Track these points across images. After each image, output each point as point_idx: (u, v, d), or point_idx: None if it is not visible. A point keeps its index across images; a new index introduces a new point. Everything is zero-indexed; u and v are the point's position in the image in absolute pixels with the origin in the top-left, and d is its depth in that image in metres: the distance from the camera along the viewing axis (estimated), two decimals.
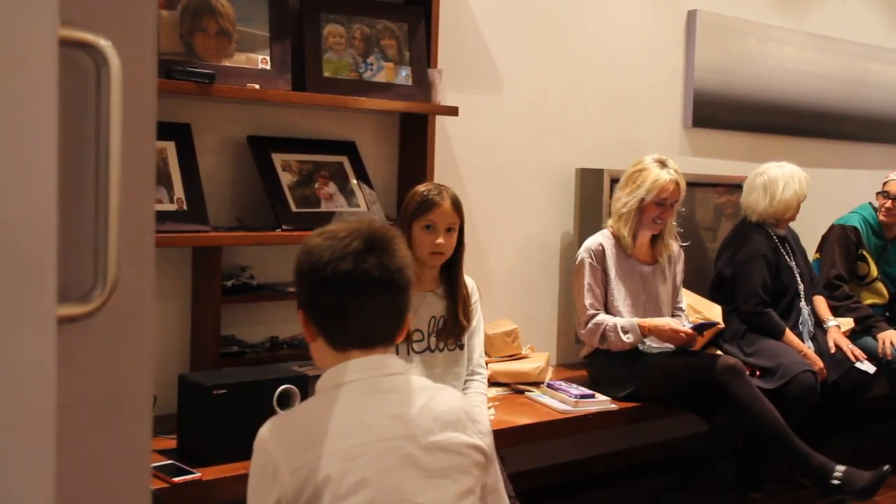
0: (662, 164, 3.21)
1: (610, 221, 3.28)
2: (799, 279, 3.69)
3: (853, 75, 4.72)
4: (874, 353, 3.76)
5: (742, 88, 4.24)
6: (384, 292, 1.45)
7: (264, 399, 2.29)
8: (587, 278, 3.17)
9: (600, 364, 3.25)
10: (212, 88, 2.49)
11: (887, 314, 4.06)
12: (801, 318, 3.65)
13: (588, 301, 3.16)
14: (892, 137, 4.97)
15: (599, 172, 3.55)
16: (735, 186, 3.90)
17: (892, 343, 3.77)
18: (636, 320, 3.15)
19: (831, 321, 3.67)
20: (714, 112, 4.14)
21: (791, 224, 3.80)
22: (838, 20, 4.69)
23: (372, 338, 1.46)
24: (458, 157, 3.31)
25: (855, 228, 4.03)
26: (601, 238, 3.24)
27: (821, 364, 3.45)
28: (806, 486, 3.61)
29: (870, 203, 4.17)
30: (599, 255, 3.20)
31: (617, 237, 3.24)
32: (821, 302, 3.76)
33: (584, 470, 3.71)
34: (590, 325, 3.15)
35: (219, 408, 2.25)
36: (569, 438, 3.32)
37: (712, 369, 3.08)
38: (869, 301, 4.04)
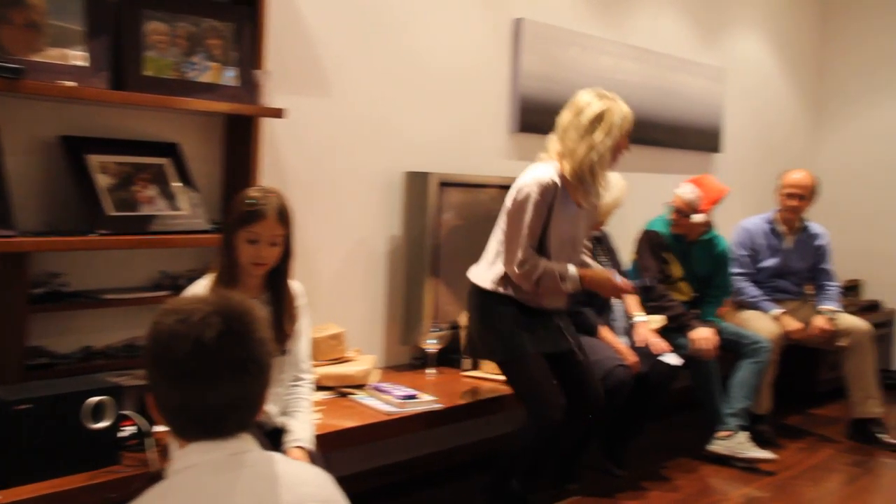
0: (607, 97, 3.17)
1: (564, 165, 3.10)
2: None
3: (665, 85, 5.00)
4: (685, 351, 4.01)
5: (565, 95, 4.31)
6: (245, 377, 1.32)
7: (74, 413, 2.19)
8: (530, 214, 3.02)
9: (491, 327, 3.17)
10: (20, 84, 2.36)
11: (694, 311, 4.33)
12: (612, 312, 3.84)
13: (527, 241, 3.03)
14: (698, 144, 5.30)
15: (426, 176, 3.61)
16: None
17: (702, 344, 4.03)
18: (576, 270, 3.13)
19: (638, 316, 3.86)
20: (539, 118, 4.27)
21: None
22: (652, 34, 4.96)
23: (226, 428, 1.34)
24: (286, 159, 3.28)
25: (657, 233, 4.27)
26: (553, 174, 3.07)
27: (634, 358, 3.65)
28: (618, 475, 3.84)
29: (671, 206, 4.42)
30: (551, 191, 3.05)
31: (565, 179, 3.10)
32: (630, 300, 3.96)
33: (412, 470, 3.78)
34: (526, 266, 3.04)
35: (21, 425, 2.12)
36: (396, 439, 3.36)
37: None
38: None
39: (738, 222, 4.85)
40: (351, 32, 3.48)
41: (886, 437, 4.47)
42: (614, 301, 3.86)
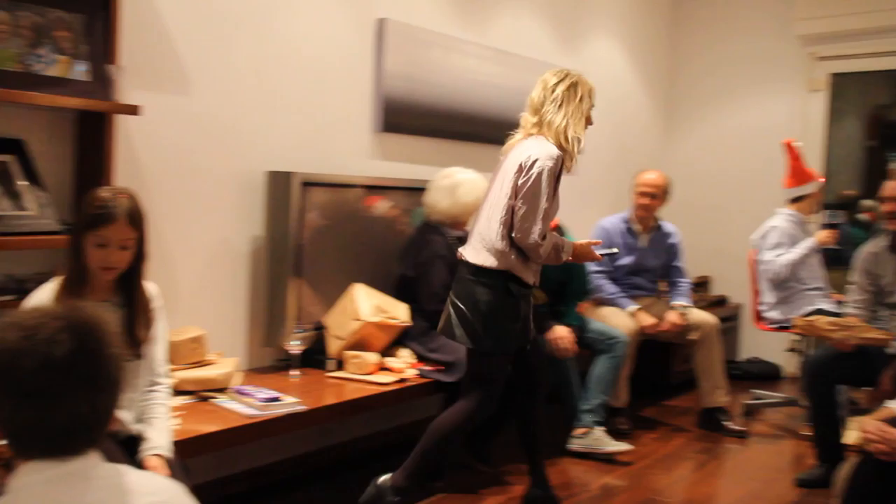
0: (572, 72, 3.35)
1: (554, 141, 3.18)
2: None
3: (526, 87, 5.03)
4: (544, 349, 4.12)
5: (428, 96, 4.44)
6: (95, 394, 1.27)
7: None
8: (547, 187, 3.09)
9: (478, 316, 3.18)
10: None
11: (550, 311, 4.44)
12: None
13: (544, 213, 3.09)
14: None
15: (288, 175, 3.57)
16: (422, 190, 4.06)
17: (561, 343, 4.15)
18: (571, 241, 3.31)
19: None
20: (403, 118, 4.31)
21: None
22: (513, 36, 5.07)
23: (73, 446, 1.28)
24: (142, 158, 3.17)
25: None
26: (556, 149, 3.16)
27: None
28: (483, 470, 3.91)
29: None
30: (559, 163, 3.14)
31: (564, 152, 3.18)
32: None
33: (277, 474, 3.73)
34: (545, 238, 3.12)
35: None
36: (260, 443, 3.31)
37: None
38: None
39: (596, 221, 5.01)
40: (211, 29, 3.40)
41: (731, 425, 4.72)
42: None
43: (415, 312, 3.79)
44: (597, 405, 4.29)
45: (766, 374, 6.10)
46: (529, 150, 3.16)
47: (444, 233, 3.89)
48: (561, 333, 4.15)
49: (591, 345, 4.40)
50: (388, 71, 4.18)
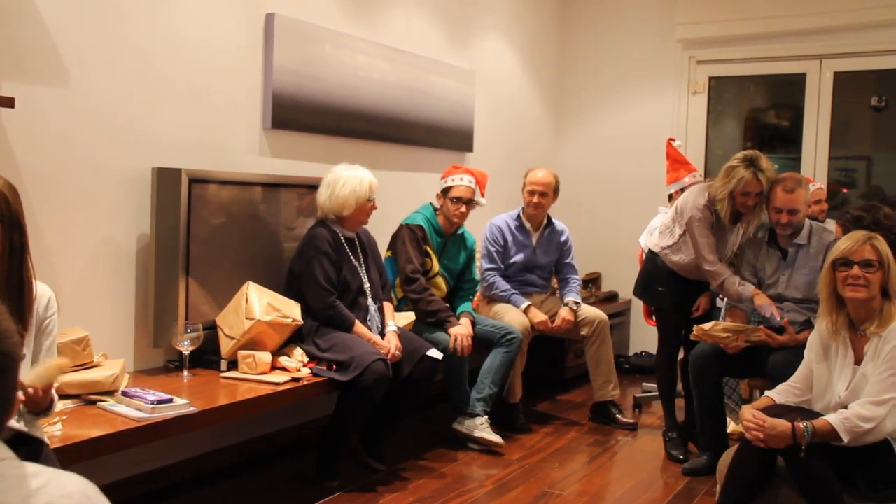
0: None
1: None
2: (365, 278, 3.93)
3: (418, 86, 5.13)
4: (445, 346, 4.15)
5: (319, 93, 4.40)
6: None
7: None
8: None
9: None
10: None
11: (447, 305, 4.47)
12: (368, 315, 3.89)
13: None
14: (451, 144, 5.48)
15: (177, 172, 3.48)
16: (314, 187, 4.02)
17: (462, 340, 4.19)
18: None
19: (391, 326, 3.92)
20: (293, 114, 4.25)
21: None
22: (406, 35, 5.07)
23: None
24: (18, 153, 3.03)
25: (420, 227, 4.41)
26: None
27: (388, 347, 3.71)
28: (378, 469, 3.90)
29: (430, 203, 4.57)
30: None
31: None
32: (387, 307, 4.02)
33: (169, 477, 3.62)
34: None
35: None
36: (150, 446, 3.21)
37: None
38: None
39: (488, 220, 5.06)
40: (92, 19, 3.27)
41: (622, 417, 4.85)
42: (368, 303, 3.91)
43: (306, 312, 3.75)
44: (487, 395, 4.35)
45: (655, 368, 6.28)
46: None
47: (333, 228, 3.86)
48: (462, 330, 4.21)
49: (484, 339, 4.45)
50: (278, 66, 4.12)
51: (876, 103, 6.24)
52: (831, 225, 4.14)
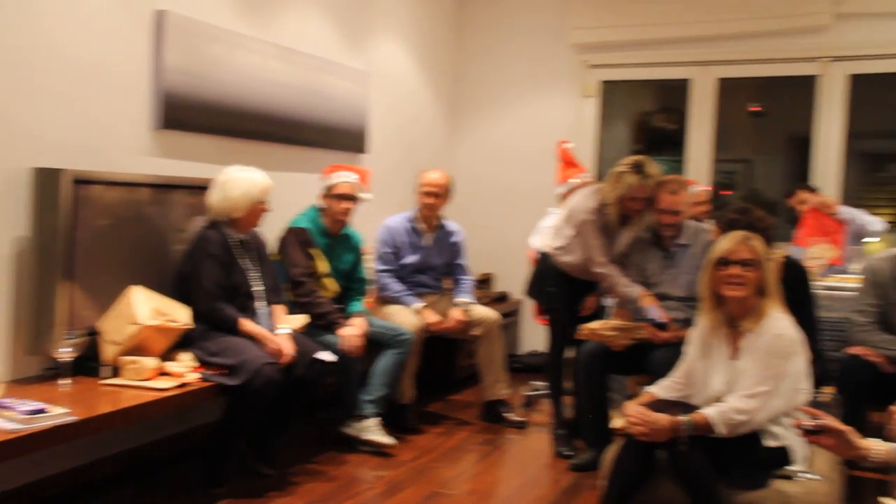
0: None
1: None
2: (256, 281, 3.88)
3: (312, 86, 5.09)
4: (335, 347, 4.12)
5: (212, 92, 4.32)
6: None
7: None
8: None
9: None
10: None
11: (338, 306, 4.46)
12: (256, 318, 3.84)
13: None
14: (344, 145, 5.46)
15: (57, 172, 3.36)
16: (206, 188, 3.94)
17: (352, 341, 4.18)
18: None
19: (281, 328, 3.86)
20: (185, 114, 4.16)
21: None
22: (299, 35, 5.03)
23: None
24: None
25: (304, 229, 4.37)
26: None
27: (277, 345, 3.67)
28: (267, 473, 3.86)
29: (314, 205, 4.53)
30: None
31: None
32: (277, 310, 3.97)
33: (44, 491, 3.50)
34: None
35: None
36: (24, 459, 3.09)
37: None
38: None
39: (382, 221, 5.06)
40: None
41: (511, 416, 4.93)
42: (258, 306, 3.87)
43: (196, 314, 3.69)
44: (378, 397, 4.37)
45: (544, 366, 6.39)
46: None
47: (224, 231, 3.81)
48: (352, 331, 4.21)
49: (376, 340, 4.45)
50: (169, 65, 4.03)
51: (756, 109, 6.51)
52: (712, 225, 4.30)
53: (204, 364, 3.61)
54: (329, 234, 4.47)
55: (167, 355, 3.61)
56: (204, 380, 3.53)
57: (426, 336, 4.82)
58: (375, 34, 5.86)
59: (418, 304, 4.83)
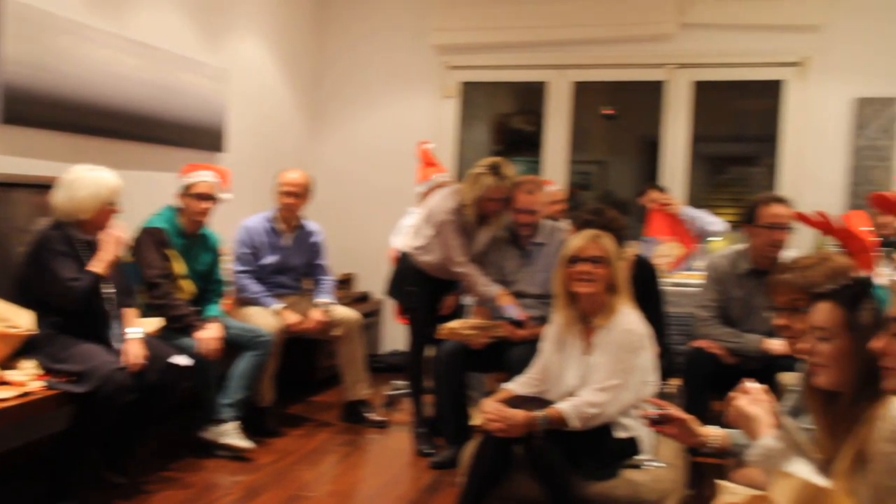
0: None
1: None
2: (103, 284, 3.72)
3: (167, 82, 4.94)
4: (191, 350, 4.01)
5: (59, 86, 4.13)
6: None
7: None
8: None
9: None
10: None
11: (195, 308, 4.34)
12: (107, 322, 3.69)
13: None
14: (201, 143, 5.33)
15: None
16: (51, 187, 3.75)
17: (209, 344, 4.08)
18: None
19: (133, 332, 3.70)
20: (28, 109, 3.96)
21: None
22: (153, 29, 4.87)
23: None
24: None
25: (160, 229, 4.24)
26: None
27: (131, 355, 3.54)
28: (120, 483, 3.72)
29: (170, 205, 4.41)
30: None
31: None
32: (129, 313, 3.81)
33: None
34: None
35: None
36: None
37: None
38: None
39: (240, 221, 4.97)
40: None
41: (372, 416, 4.93)
42: (108, 309, 3.71)
43: (41, 319, 3.51)
44: (236, 400, 4.29)
45: (405, 366, 6.43)
46: None
47: (69, 232, 3.62)
48: (210, 333, 4.11)
49: (235, 342, 4.36)
50: (11, 56, 3.82)
51: (608, 112, 6.75)
52: (568, 224, 4.42)
53: (49, 371, 3.44)
54: (186, 235, 4.35)
55: (7, 363, 3.42)
56: (49, 388, 3.37)
57: (286, 337, 4.76)
58: (234, 31, 5.74)
59: (277, 305, 4.77)
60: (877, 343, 1.63)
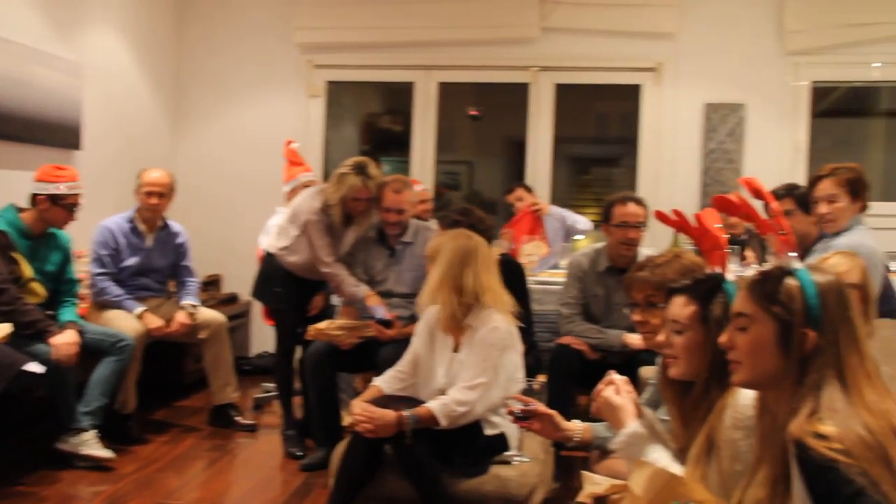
0: None
1: None
2: None
3: (15, 75, 4.70)
4: (46, 357, 3.83)
5: None
6: None
7: None
8: None
9: None
10: None
11: (49, 312, 4.16)
12: None
13: None
14: (54, 140, 5.09)
15: None
16: None
17: (65, 350, 3.90)
18: None
19: None
20: None
21: None
22: (1, 19, 4.62)
23: None
24: None
25: (2, 232, 4.03)
26: None
27: None
28: None
29: (12, 204, 4.20)
30: None
31: None
32: None
33: None
34: None
35: None
36: None
37: None
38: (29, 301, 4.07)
39: (99, 222, 4.78)
40: None
41: (241, 419, 4.85)
42: None
43: None
44: (96, 408, 4.14)
45: (273, 367, 6.34)
46: None
47: None
48: (65, 339, 3.94)
49: (94, 347, 4.20)
50: None
51: (474, 113, 6.85)
52: (435, 224, 4.47)
53: None
54: (31, 236, 4.16)
55: None
56: None
57: (149, 341, 4.62)
58: (88, 24, 5.52)
59: (139, 308, 4.62)
60: (722, 338, 1.72)
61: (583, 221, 5.76)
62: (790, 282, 1.62)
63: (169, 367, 5.44)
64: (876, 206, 4.23)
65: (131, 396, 4.52)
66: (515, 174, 6.60)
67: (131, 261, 4.75)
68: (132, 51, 6.06)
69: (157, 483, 3.91)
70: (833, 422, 1.43)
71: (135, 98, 6.15)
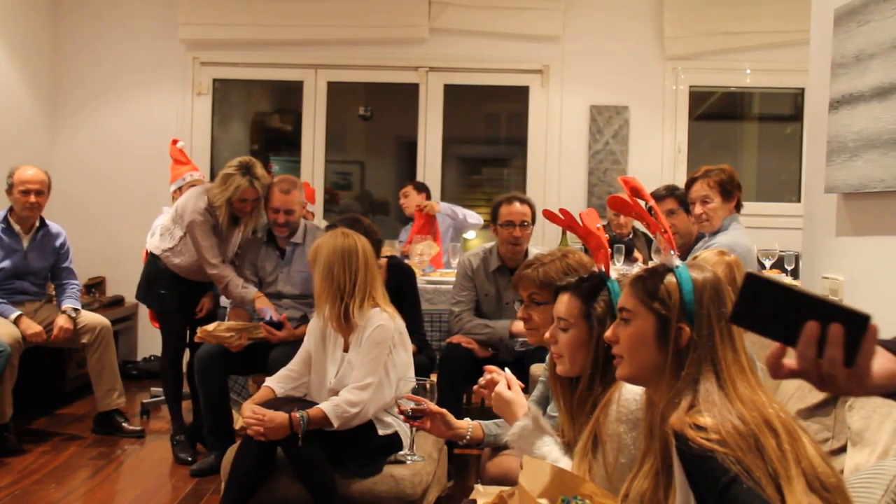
0: None
1: None
2: None
3: None
4: None
5: None
6: None
7: None
8: None
9: None
10: None
11: None
12: None
13: None
14: None
15: None
16: None
17: None
18: None
19: None
20: None
21: None
22: None
23: None
24: None
25: None
26: None
27: None
28: None
29: None
30: None
31: None
32: None
33: None
34: None
35: None
36: None
37: None
38: None
39: None
40: None
41: (128, 425, 4.72)
42: None
43: None
44: None
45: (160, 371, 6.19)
46: None
47: None
48: None
49: None
50: None
51: (363, 113, 6.84)
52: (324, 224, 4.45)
53: None
54: None
55: None
56: None
57: (26, 348, 4.44)
58: None
59: (15, 313, 4.44)
60: (607, 332, 1.78)
61: (473, 216, 5.83)
62: (670, 279, 1.69)
63: (49, 373, 5.24)
64: (749, 206, 4.45)
65: (7, 405, 4.33)
66: (407, 174, 6.62)
67: (6, 263, 4.55)
68: (3, 47, 5.80)
69: (36, 496, 3.77)
70: (710, 414, 1.50)
71: (7, 95, 5.89)
